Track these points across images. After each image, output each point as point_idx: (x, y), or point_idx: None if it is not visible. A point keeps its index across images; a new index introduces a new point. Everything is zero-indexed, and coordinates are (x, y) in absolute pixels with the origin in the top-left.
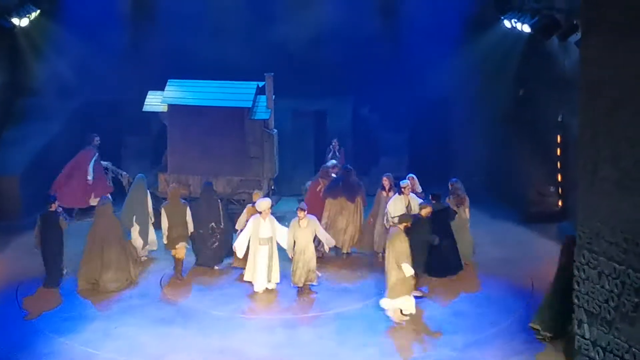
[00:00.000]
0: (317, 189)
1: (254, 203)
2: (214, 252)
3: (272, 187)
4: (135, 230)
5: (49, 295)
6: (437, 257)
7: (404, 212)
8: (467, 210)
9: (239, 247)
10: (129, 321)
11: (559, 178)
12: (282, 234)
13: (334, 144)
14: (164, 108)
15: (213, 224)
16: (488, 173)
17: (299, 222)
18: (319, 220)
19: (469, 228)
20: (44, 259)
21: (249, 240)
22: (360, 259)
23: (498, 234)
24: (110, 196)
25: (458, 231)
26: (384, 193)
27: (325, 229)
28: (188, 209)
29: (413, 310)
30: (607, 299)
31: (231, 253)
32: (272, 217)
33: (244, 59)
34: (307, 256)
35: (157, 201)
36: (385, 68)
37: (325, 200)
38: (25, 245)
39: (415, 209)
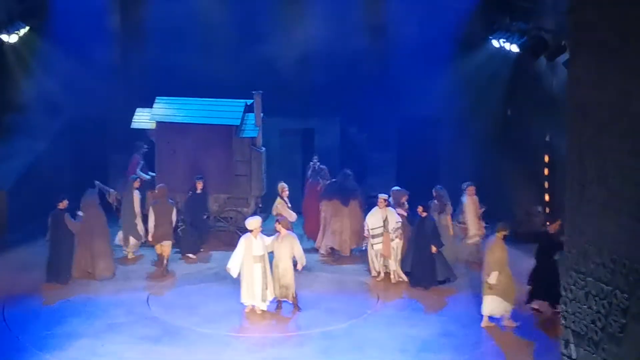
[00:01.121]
0: (318, 188)
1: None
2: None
3: (260, 205)
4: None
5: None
6: (422, 267)
7: (380, 225)
8: (448, 218)
9: (232, 267)
10: (115, 339)
11: (547, 198)
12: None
13: (314, 161)
14: (152, 125)
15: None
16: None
17: (277, 237)
18: (318, 221)
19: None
20: (49, 254)
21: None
22: (350, 276)
23: None
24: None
25: (443, 238)
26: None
27: (322, 230)
28: (174, 208)
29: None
30: (594, 319)
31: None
32: (262, 235)
33: (231, 77)
34: (280, 270)
35: (145, 219)
36: (373, 87)
37: (321, 202)
38: (12, 260)
39: (392, 223)
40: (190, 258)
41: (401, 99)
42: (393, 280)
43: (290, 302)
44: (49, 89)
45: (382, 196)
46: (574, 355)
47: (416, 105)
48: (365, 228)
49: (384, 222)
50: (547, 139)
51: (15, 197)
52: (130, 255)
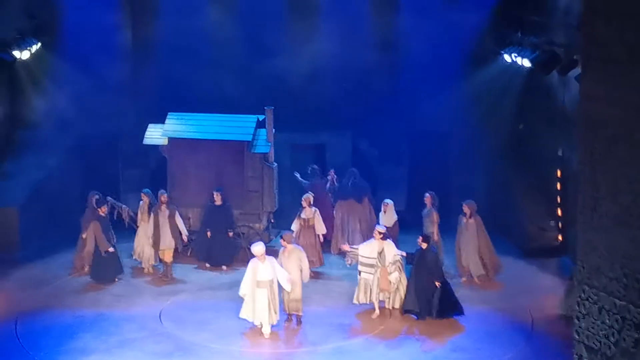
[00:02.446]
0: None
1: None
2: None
3: (272, 221)
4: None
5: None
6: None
7: (374, 257)
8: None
9: (242, 291)
10: (127, 354)
11: (559, 212)
12: (283, 276)
13: (330, 174)
14: (164, 141)
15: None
16: (487, 207)
17: (284, 252)
18: (332, 222)
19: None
20: (93, 257)
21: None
22: None
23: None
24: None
25: None
26: (465, 219)
27: (338, 231)
28: (176, 212)
29: None
30: (607, 334)
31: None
32: (273, 259)
33: (242, 93)
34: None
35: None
36: (384, 102)
37: (335, 203)
38: (23, 277)
39: (389, 256)
40: (206, 267)
41: (412, 114)
42: (388, 316)
43: (295, 313)
44: (60, 105)
45: (379, 229)
46: None
47: (427, 120)
48: (352, 247)
49: (379, 255)
50: (560, 153)
51: (26, 213)
52: (146, 270)
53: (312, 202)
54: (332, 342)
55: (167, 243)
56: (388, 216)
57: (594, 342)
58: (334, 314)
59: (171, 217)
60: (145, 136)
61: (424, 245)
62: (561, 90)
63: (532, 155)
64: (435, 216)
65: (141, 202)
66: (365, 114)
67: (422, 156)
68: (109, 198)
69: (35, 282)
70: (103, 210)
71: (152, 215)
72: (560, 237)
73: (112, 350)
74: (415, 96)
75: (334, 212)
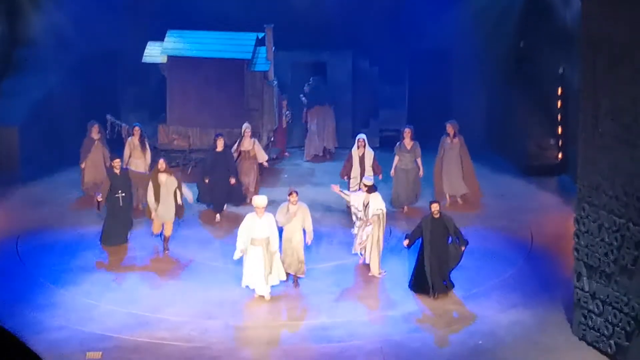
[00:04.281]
0: None
1: None
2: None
3: (272, 139)
4: None
5: None
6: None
7: (360, 210)
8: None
9: (240, 246)
10: (129, 273)
11: (559, 131)
12: (276, 240)
13: (310, 82)
14: (163, 59)
15: None
16: (487, 125)
17: (287, 207)
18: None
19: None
20: (105, 218)
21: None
22: None
23: (498, 187)
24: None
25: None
26: (449, 140)
27: (313, 135)
28: (176, 180)
29: None
30: (606, 252)
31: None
32: (271, 217)
33: (242, 12)
34: (294, 244)
35: (157, 154)
36: (385, 20)
37: (311, 109)
38: (24, 196)
39: (373, 209)
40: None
41: (413, 32)
42: (370, 273)
43: (300, 276)
44: (59, 23)
45: (365, 181)
46: (586, 288)
47: (428, 39)
48: (343, 192)
49: (365, 208)
50: (560, 71)
51: (26, 132)
52: (135, 205)
53: (251, 134)
54: (334, 260)
55: (170, 215)
56: (367, 154)
57: (593, 260)
58: (335, 232)
59: (178, 189)
60: (144, 54)
61: (437, 212)
62: (563, 7)
63: (532, 73)
64: (419, 150)
65: (130, 137)
66: (366, 32)
67: (423, 75)
68: (108, 116)
69: (35, 201)
70: (117, 165)
71: (150, 177)
72: (560, 156)
73: (114, 269)
74: (416, 14)
75: (307, 117)
